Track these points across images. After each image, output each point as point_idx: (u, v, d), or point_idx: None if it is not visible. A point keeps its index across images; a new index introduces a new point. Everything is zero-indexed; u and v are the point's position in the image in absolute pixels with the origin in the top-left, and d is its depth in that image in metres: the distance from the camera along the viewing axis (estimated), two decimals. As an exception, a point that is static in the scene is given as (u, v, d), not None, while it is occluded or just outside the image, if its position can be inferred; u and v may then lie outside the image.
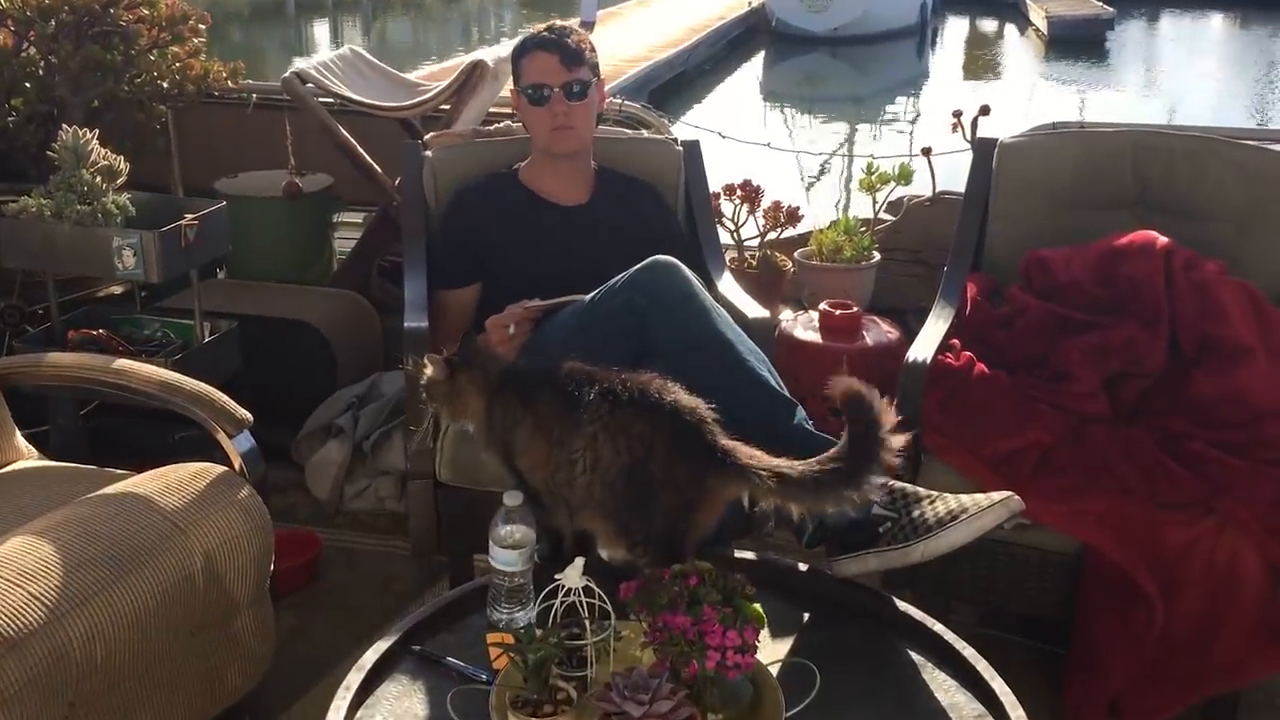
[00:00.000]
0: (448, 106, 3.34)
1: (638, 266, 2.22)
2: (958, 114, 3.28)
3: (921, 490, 1.89)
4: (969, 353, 2.39)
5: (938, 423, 2.29)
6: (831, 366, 2.92)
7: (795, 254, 3.34)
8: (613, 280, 2.26)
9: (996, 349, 2.43)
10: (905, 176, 3.21)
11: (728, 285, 2.69)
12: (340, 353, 3.24)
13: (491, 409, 1.93)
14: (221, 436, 2.18)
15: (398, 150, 3.30)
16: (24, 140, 3.31)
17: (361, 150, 3.38)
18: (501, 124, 3.01)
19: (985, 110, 3.23)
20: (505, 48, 3.52)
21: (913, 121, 15.93)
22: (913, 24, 21.84)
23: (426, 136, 2.93)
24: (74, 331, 2.78)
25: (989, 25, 25.44)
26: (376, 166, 3.38)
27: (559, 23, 2.65)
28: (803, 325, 3.03)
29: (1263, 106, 17.01)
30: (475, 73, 3.23)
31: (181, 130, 3.69)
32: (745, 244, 3.43)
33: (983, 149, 2.79)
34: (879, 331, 2.99)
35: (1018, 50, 22.19)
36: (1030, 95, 17.07)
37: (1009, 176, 2.71)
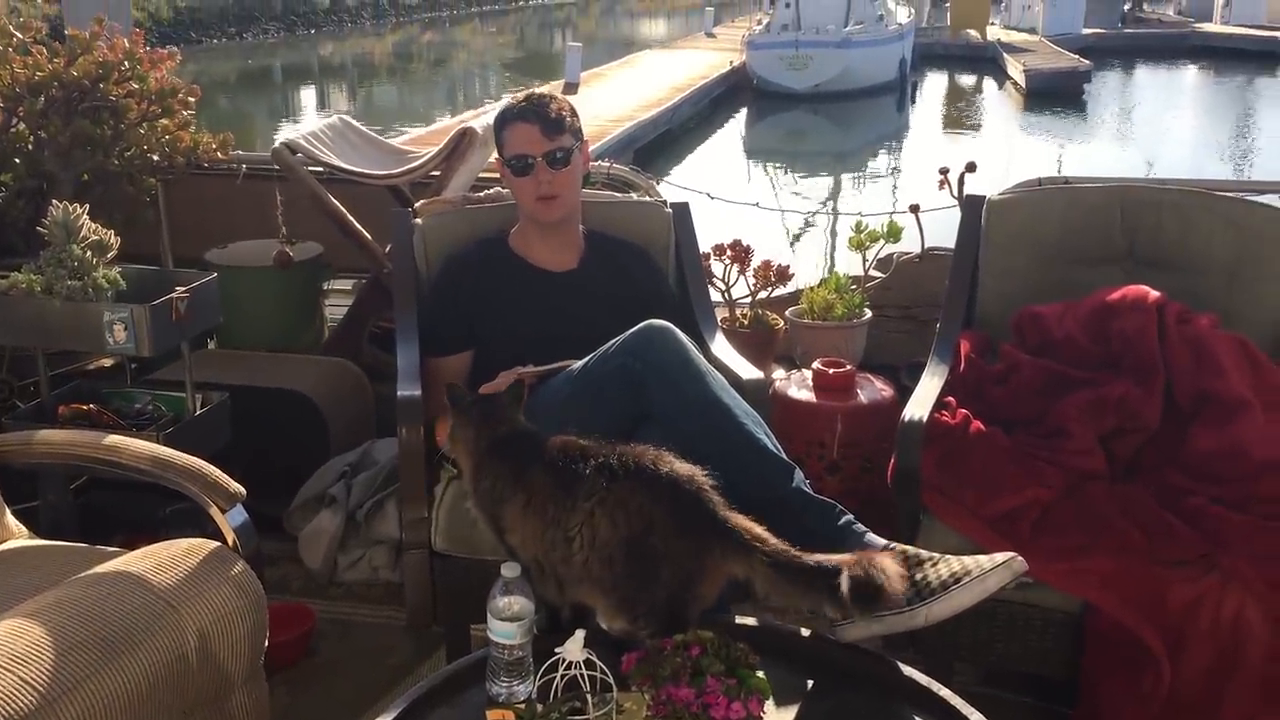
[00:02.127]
0: (437, 173, 3.36)
1: (631, 331, 2.22)
2: (944, 171, 3.30)
3: (924, 552, 1.88)
4: (965, 410, 2.38)
5: (935, 482, 2.28)
6: (826, 425, 2.92)
7: (787, 312, 3.35)
8: (606, 346, 2.26)
9: (991, 406, 2.42)
10: (894, 234, 3.22)
11: (720, 346, 2.69)
12: (332, 421, 3.22)
13: (479, 477, 1.93)
14: (214, 511, 2.15)
15: (387, 218, 3.32)
16: (13, 216, 3.32)
17: (351, 218, 3.38)
18: (491, 190, 3.02)
19: (971, 167, 3.26)
20: (492, 112, 3.56)
21: (895, 175, 16.10)
22: (892, 79, 22.16)
23: (417, 204, 2.94)
24: (64, 407, 2.77)
25: (967, 80, 25.83)
26: (366, 234, 3.39)
27: (538, 91, 2.68)
28: (796, 384, 3.03)
29: (1239, 154, 17.24)
30: (464, 140, 3.25)
31: (171, 202, 3.70)
32: (736, 303, 3.44)
33: (971, 206, 2.81)
34: (873, 389, 2.99)
35: (997, 104, 22.51)
36: (1011, 148, 17.29)
37: (998, 233, 2.73)
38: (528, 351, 2.54)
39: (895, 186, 14.62)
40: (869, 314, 3.25)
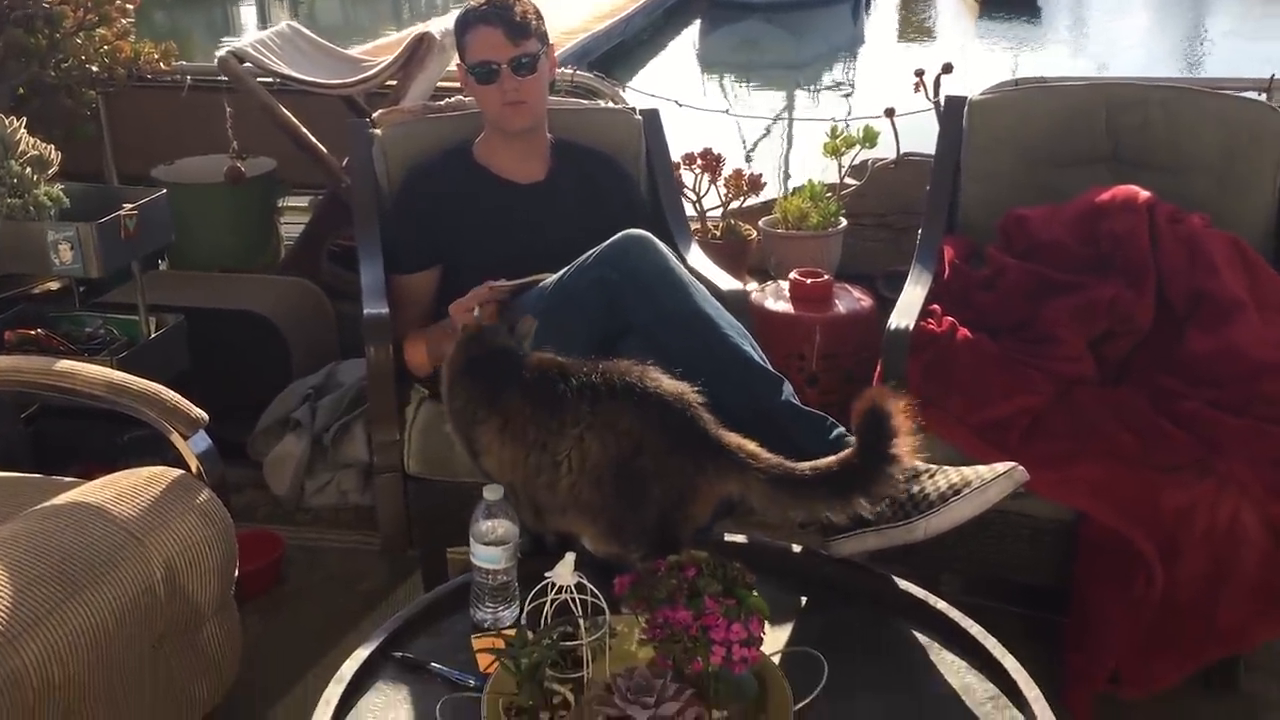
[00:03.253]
0: (394, 82, 3.21)
1: (608, 242, 2.13)
2: (920, 73, 3.20)
3: (920, 464, 1.82)
4: (951, 317, 2.32)
5: (922, 391, 2.21)
6: (804, 336, 2.85)
7: (760, 222, 3.26)
8: (582, 257, 2.17)
9: (978, 313, 2.36)
10: (870, 139, 3.13)
11: (696, 257, 2.60)
12: (293, 343, 3.11)
13: (453, 397, 1.84)
14: (175, 438, 2.05)
15: (344, 130, 3.18)
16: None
17: (305, 131, 3.23)
18: (453, 99, 2.88)
19: (948, 68, 3.16)
20: (449, 19, 3.40)
21: (848, 88, 15.90)
22: (849, -11, 21.80)
23: (375, 114, 2.80)
24: (9, 332, 2.64)
25: (922, -13, 25.47)
26: (322, 147, 3.24)
27: None
28: (773, 295, 2.95)
29: (1194, 59, 17.15)
30: (422, 46, 3.10)
31: (113, 117, 3.52)
32: (707, 214, 3.34)
33: (952, 107, 2.72)
34: (851, 299, 2.92)
35: (952, 12, 22.24)
36: (968, 56, 17.12)
37: (981, 135, 2.64)
38: (496, 267, 2.42)
39: (849, 96, 14.40)
40: (844, 223, 3.17)
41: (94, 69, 3.27)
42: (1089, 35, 19.04)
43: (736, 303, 2.31)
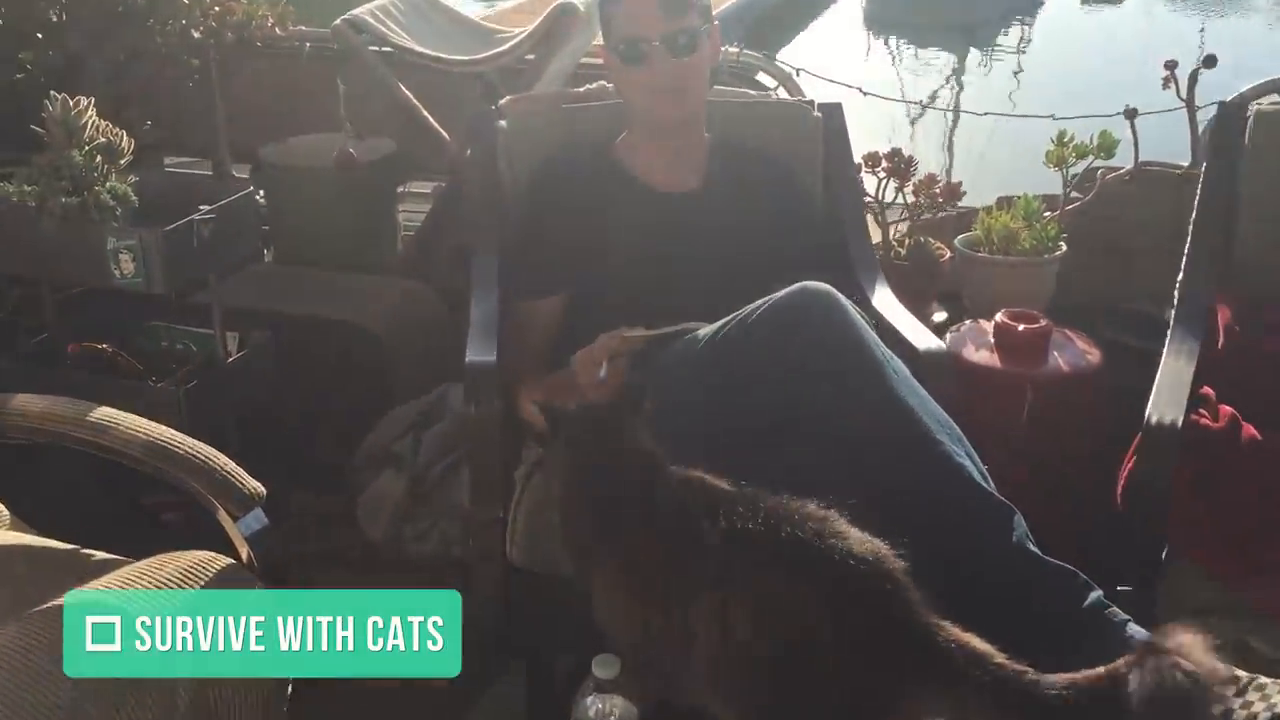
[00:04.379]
0: (532, 57, 2.74)
1: (782, 296, 1.63)
2: (1171, 65, 2.59)
3: (1240, 671, 1.27)
4: (1229, 408, 1.75)
5: (1189, 506, 1.68)
6: (1011, 397, 2.28)
7: (955, 241, 2.69)
8: (743, 312, 1.67)
9: (1266, 403, 1.78)
10: (1108, 148, 2.52)
11: (884, 299, 2.08)
12: (401, 359, 2.69)
13: (565, 519, 1.37)
14: (223, 517, 1.64)
15: (471, 109, 2.74)
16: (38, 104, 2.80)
17: (426, 113, 2.80)
18: (595, 85, 2.41)
19: (1210, 61, 2.54)
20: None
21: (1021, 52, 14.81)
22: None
23: (502, 101, 2.34)
24: (75, 346, 2.27)
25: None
26: (444, 133, 2.80)
27: None
28: (971, 340, 2.39)
29: None
30: (564, 17, 2.62)
31: (223, 88, 3.14)
32: (890, 227, 2.79)
33: (1228, 118, 2.12)
34: (1074, 351, 2.34)
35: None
36: (1161, 27, 15.87)
37: (1270, 157, 2.04)
38: (638, 296, 1.97)
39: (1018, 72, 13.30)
40: (1063, 248, 2.58)
41: (196, 34, 2.88)
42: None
43: (935, 366, 1.79)
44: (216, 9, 2.95)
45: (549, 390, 1.91)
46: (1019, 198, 2.54)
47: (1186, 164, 2.73)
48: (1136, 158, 2.68)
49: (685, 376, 1.70)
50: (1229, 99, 2.72)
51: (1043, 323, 2.32)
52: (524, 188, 2.20)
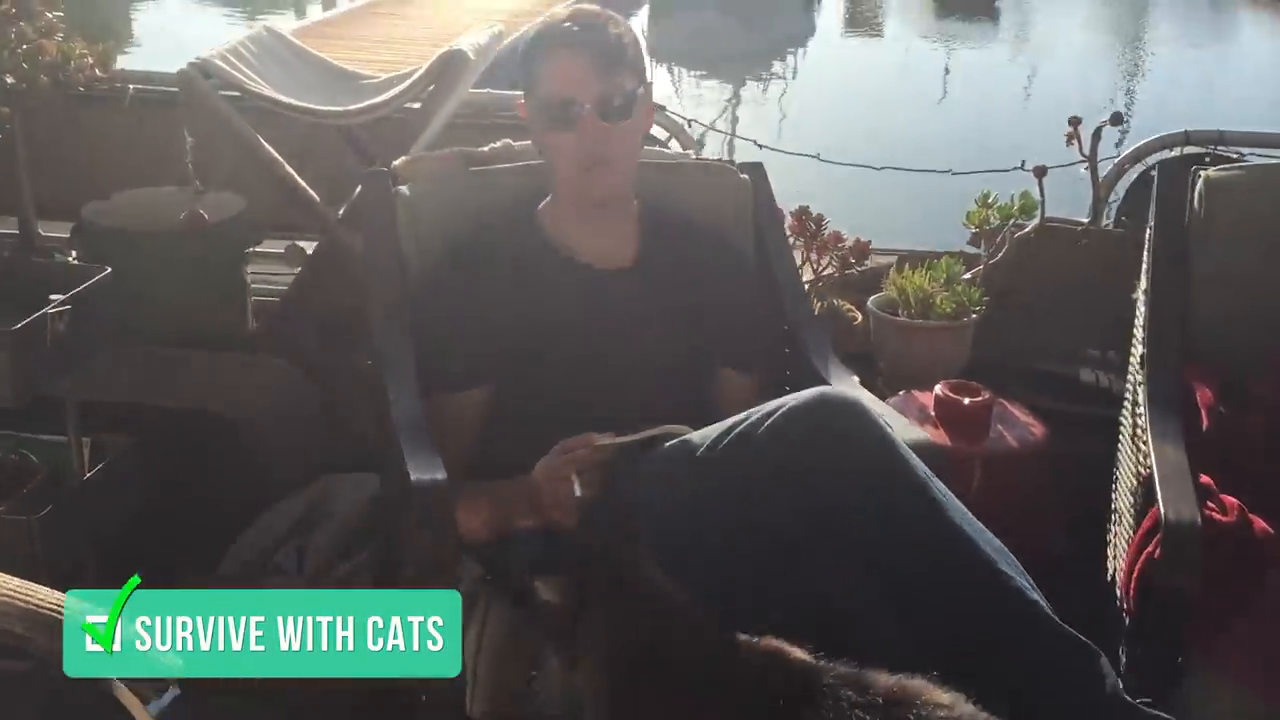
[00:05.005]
0: (416, 105, 2.46)
1: (797, 404, 1.44)
2: (1076, 121, 2.55)
3: None
4: (1233, 498, 1.66)
5: (1209, 612, 1.58)
6: (957, 477, 2.15)
7: (869, 303, 2.57)
8: (746, 418, 1.48)
9: (1257, 488, 1.71)
10: (1029, 210, 2.46)
11: (846, 383, 1.91)
12: (268, 452, 2.36)
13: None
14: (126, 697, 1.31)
15: (334, 164, 2.45)
16: None
17: (290, 169, 2.48)
18: (499, 143, 2.16)
19: (1117, 119, 2.51)
20: (476, 30, 2.67)
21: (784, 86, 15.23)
22: (799, -26, 21.16)
23: (397, 162, 2.06)
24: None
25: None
26: (312, 192, 2.49)
27: (588, 7, 1.82)
28: (911, 416, 2.25)
29: (1131, 63, 16.80)
30: (452, 66, 2.36)
31: (34, 137, 2.72)
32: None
33: (1171, 183, 2.06)
34: (1018, 424, 2.25)
35: (907, 6, 21.77)
36: (931, 55, 16.66)
37: (1222, 224, 1.98)
38: (571, 384, 1.76)
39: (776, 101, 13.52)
40: (983, 309, 2.49)
41: (8, 79, 2.47)
42: (1045, 41, 18.65)
43: (931, 461, 1.63)
44: (24, 48, 2.54)
45: (498, 505, 1.68)
46: (943, 262, 2.44)
47: (1087, 220, 2.71)
48: (1043, 214, 2.63)
49: (681, 492, 1.49)
50: (1123, 154, 2.74)
51: (986, 395, 2.22)
52: (435, 265, 1.94)
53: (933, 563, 1.33)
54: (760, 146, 2.83)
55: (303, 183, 2.46)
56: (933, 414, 2.24)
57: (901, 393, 2.35)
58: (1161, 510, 1.60)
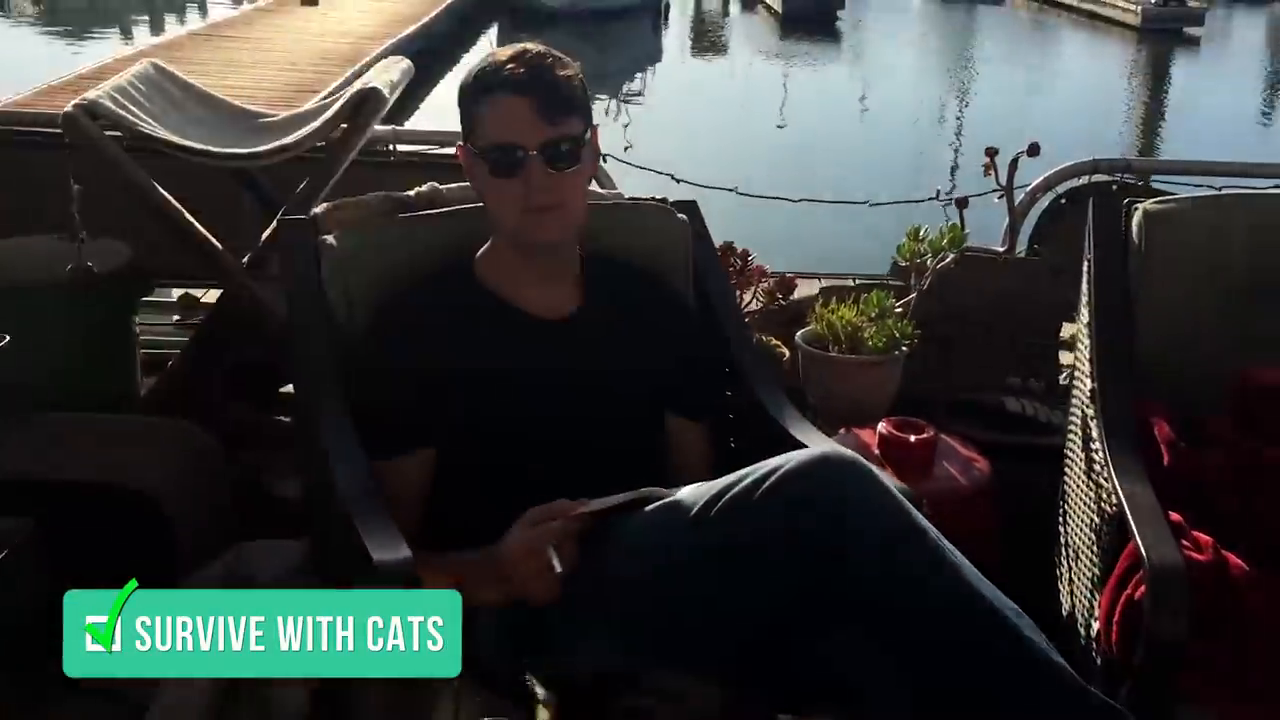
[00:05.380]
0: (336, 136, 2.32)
1: (796, 465, 1.38)
2: (992, 153, 2.57)
3: None
4: (1206, 536, 1.66)
5: (1195, 653, 1.57)
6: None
7: (797, 338, 2.54)
8: (739, 479, 1.41)
9: (1218, 524, 1.71)
10: (957, 242, 2.45)
11: (802, 429, 1.87)
12: (179, 522, 2.18)
13: None
14: None
15: (227, 208, 2.31)
16: None
17: (188, 215, 2.30)
18: (426, 187, 2.04)
19: (1034, 150, 2.53)
20: (371, 59, 2.54)
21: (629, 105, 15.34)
22: (650, 0, 21.44)
23: (319, 208, 1.93)
24: None
25: (712, 3, 25.46)
26: (215, 241, 2.32)
27: (533, 47, 1.73)
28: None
29: (965, 81, 17.54)
30: (367, 106, 2.23)
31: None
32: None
33: (1106, 212, 2.07)
34: (961, 460, 2.23)
35: (754, 28, 22.22)
36: (774, 74, 17.00)
37: (1161, 258, 2.00)
38: (520, 441, 1.68)
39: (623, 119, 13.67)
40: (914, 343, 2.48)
41: None
42: (888, 59, 19.26)
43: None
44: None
45: (460, 570, 1.56)
46: (872, 296, 2.41)
47: (1003, 249, 2.73)
48: (963, 244, 2.64)
49: (672, 560, 1.41)
50: (1034, 182, 2.77)
51: (930, 432, 2.20)
52: (367, 319, 1.82)
53: (952, 630, 1.28)
54: (677, 180, 2.76)
55: (201, 229, 2.29)
56: (876, 452, 2.20)
57: (842, 430, 2.32)
58: (1143, 552, 1.58)
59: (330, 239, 1.87)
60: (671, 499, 1.48)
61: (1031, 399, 2.61)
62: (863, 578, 1.31)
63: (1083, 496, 1.93)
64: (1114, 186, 2.71)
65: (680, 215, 2.08)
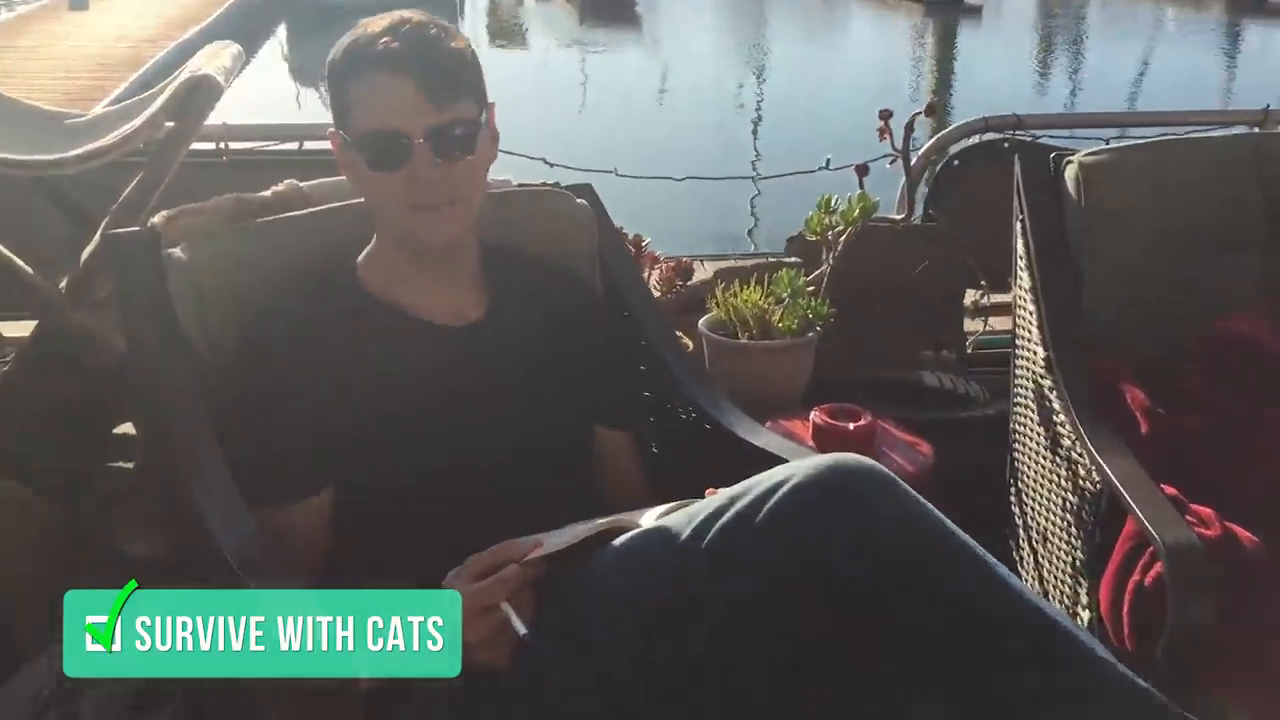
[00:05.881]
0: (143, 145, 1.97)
1: (805, 476, 1.16)
2: (886, 115, 2.40)
3: None
4: (1207, 509, 1.52)
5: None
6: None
7: (700, 326, 2.32)
8: (731, 498, 1.19)
9: (1220, 490, 1.58)
10: (869, 211, 2.27)
11: (735, 418, 1.68)
12: (17, 609, 1.82)
13: None
14: None
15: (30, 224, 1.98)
16: None
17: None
18: (283, 185, 1.73)
19: (930, 110, 2.39)
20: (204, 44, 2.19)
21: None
22: (445, -9, 20.93)
23: (156, 219, 1.60)
24: None
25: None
26: (18, 260, 1.94)
27: (411, 15, 1.45)
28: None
29: (763, 61, 17.82)
30: (199, 96, 1.90)
31: None
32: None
33: (1034, 168, 1.92)
34: (902, 444, 2.06)
35: (555, 16, 21.96)
36: (573, 62, 16.89)
37: (1103, 211, 1.86)
38: (432, 471, 1.41)
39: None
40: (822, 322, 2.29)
41: None
42: (687, 42, 19.35)
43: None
44: None
45: None
46: (784, 273, 2.21)
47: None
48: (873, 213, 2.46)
49: (661, 599, 1.17)
50: (926, 144, 2.63)
51: (867, 418, 2.02)
52: (232, 343, 1.52)
53: (1002, 642, 1.09)
54: (550, 165, 2.50)
55: (5, 251, 1.92)
56: (810, 444, 2.01)
57: (768, 423, 2.11)
58: (1153, 533, 1.43)
59: (177, 252, 1.56)
60: (642, 531, 1.25)
61: (947, 371, 2.46)
62: (896, 595, 1.11)
63: (1049, 475, 1.78)
64: (1005, 145, 2.59)
65: (580, 200, 1.85)
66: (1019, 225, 1.92)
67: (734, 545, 1.14)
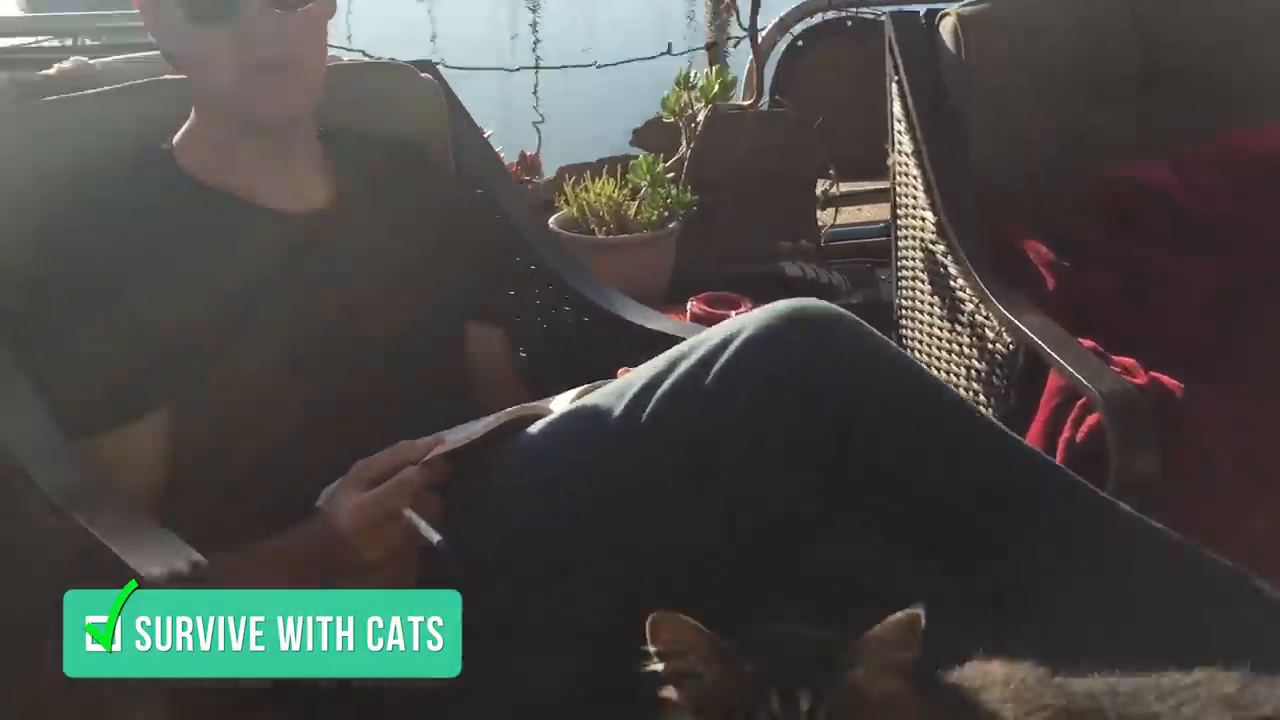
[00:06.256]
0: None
1: (758, 327, 1.01)
2: (728, -7, 2.26)
3: None
4: (1128, 358, 1.45)
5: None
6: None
7: (550, 223, 2.14)
8: (671, 361, 1.03)
9: (1133, 341, 1.51)
10: (728, 88, 2.11)
11: (615, 299, 1.54)
12: None
13: None
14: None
15: None
16: None
17: None
18: (69, 62, 1.45)
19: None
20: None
21: None
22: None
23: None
24: None
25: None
26: None
27: None
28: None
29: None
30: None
31: None
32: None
33: (908, 29, 1.80)
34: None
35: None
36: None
37: (985, 67, 1.76)
38: (285, 376, 1.21)
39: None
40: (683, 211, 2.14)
41: None
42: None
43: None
44: None
45: (276, 559, 1.11)
46: (642, 158, 2.04)
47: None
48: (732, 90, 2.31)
49: (607, 485, 1.00)
50: (769, 25, 2.50)
51: (746, 304, 1.88)
52: (26, 249, 1.25)
53: (1002, 491, 0.97)
54: (369, 56, 2.25)
55: None
56: (691, 336, 1.86)
57: (639, 321, 1.96)
58: (1085, 383, 1.34)
59: (-59, 140, 1.28)
60: (559, 415, 1.08)
61: (808, 261, 2.36)
62: (887, 458, 0.97)
63: (947, 346, 1.69)
64: (848, 23, 2.48)
65: (425, 75, 1.64)
66: (894, 87, 1.81)
67: (683, 411, 0.98)
